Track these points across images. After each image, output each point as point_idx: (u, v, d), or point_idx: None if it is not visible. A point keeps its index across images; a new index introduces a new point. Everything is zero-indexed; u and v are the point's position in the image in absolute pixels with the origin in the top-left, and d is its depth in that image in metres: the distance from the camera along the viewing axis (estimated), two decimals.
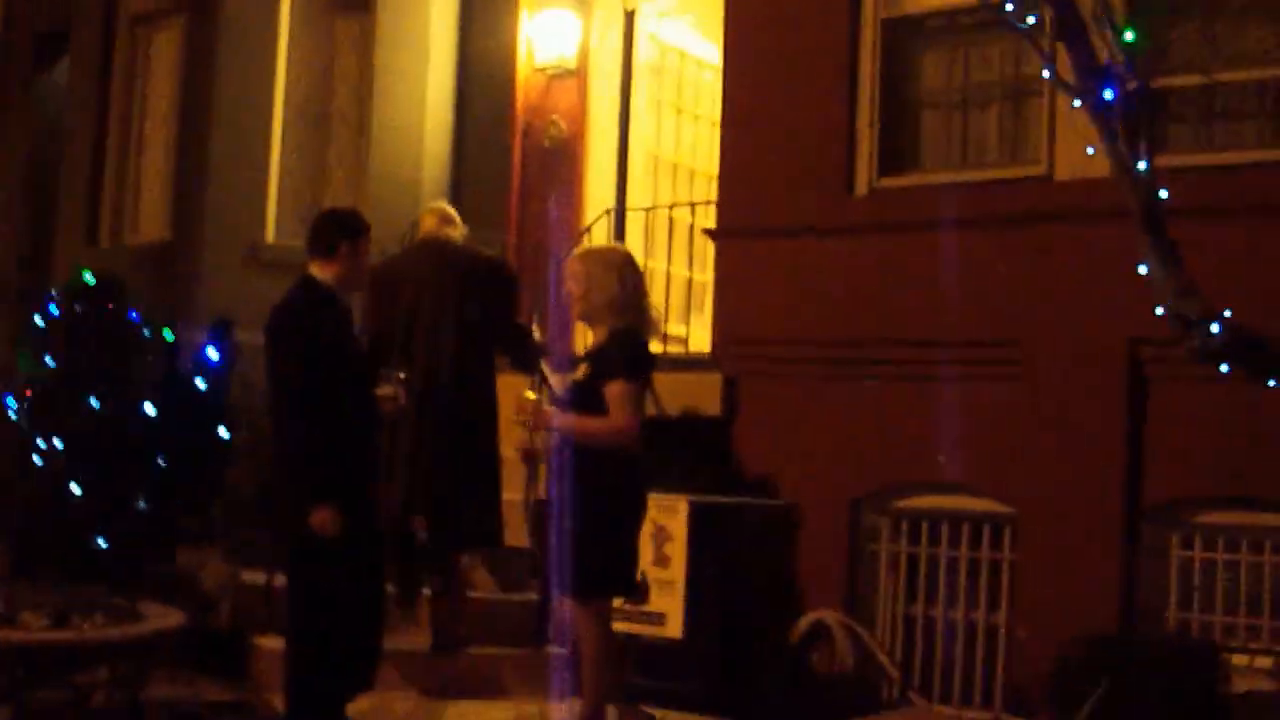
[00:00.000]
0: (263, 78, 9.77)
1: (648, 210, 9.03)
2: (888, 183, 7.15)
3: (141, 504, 6.78)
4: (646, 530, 6.67)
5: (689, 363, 7.94)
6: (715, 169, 10.30)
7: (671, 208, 9.25)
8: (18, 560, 7.27)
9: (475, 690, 6.43)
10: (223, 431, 7.13)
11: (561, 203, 9.98)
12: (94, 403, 6.76)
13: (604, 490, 5.27)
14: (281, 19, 9.84)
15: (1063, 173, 6.66)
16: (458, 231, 7.00)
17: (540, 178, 9.86)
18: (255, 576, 6.90)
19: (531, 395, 5.58)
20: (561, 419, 5.33)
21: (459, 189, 9.99)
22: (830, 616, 7.02)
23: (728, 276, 7.62)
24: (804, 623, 7.05)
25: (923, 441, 6.93)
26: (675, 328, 9.05)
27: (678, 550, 6.54)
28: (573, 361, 5.60)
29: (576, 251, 5.72)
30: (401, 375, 5.45)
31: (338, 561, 5.16)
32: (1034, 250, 6.63)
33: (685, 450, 7.41)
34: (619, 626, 6.65)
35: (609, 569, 5.35)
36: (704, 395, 7.55)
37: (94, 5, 10.87)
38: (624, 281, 5.42)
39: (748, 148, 7.49)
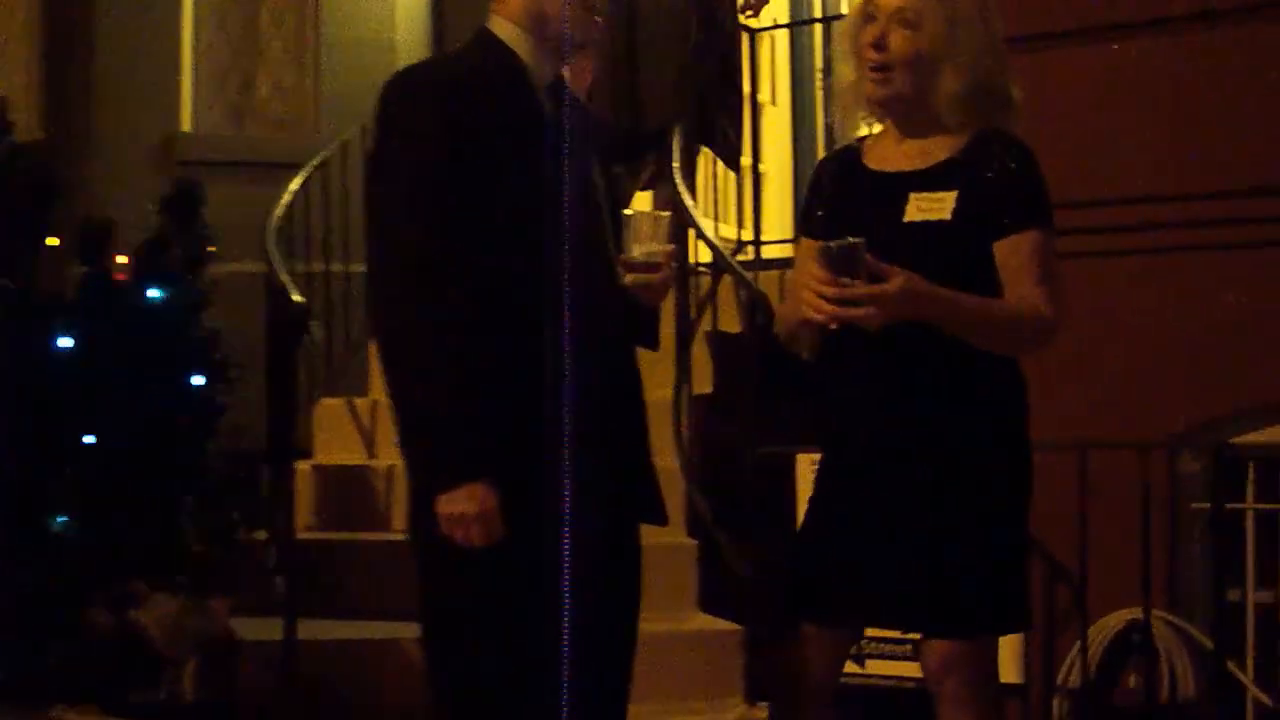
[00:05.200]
0: None
1: None
2: None
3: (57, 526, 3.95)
4: None
5: None
6: None
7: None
8: None
9: None
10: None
11: None
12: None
13: (1008, 432, 2.68)
14: None
15: None
16: None
17: None
18: (263, 629, 4.21)
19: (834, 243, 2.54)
20: (941, 297, 2.50)
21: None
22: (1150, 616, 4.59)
23: None
24: (1108, 627, 4.63)
25: None
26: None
27: None
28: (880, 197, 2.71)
29: None
30: (662, 215, 2.62)
31: (504, 599, 2.52)
32: None
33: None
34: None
35: (1021, 578, 2.74)
36: None
37: None
38: (1001, 50, 2.73)
39: None
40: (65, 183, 6.79)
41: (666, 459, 4.67)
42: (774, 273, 5.17)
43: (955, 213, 2.61)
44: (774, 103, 7.41)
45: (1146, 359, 4.67)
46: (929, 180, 2.67)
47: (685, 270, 4.78)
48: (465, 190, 2.49)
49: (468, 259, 2.47)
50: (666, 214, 2.66)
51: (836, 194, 2.79)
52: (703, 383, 4.91)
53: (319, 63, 7.16)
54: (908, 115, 2.71)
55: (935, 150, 2.69)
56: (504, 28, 2.66)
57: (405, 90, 2.61)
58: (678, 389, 4.68)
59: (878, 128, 2.82)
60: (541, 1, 2.63)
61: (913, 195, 2.66)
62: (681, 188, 4.61)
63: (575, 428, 2.50)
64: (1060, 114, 4.58)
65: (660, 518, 2.71)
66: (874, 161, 2.76)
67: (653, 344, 2.75)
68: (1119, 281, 4.72)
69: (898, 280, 2.46)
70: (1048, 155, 2.75)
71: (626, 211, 2.62)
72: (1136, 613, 4.55)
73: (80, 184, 6.83)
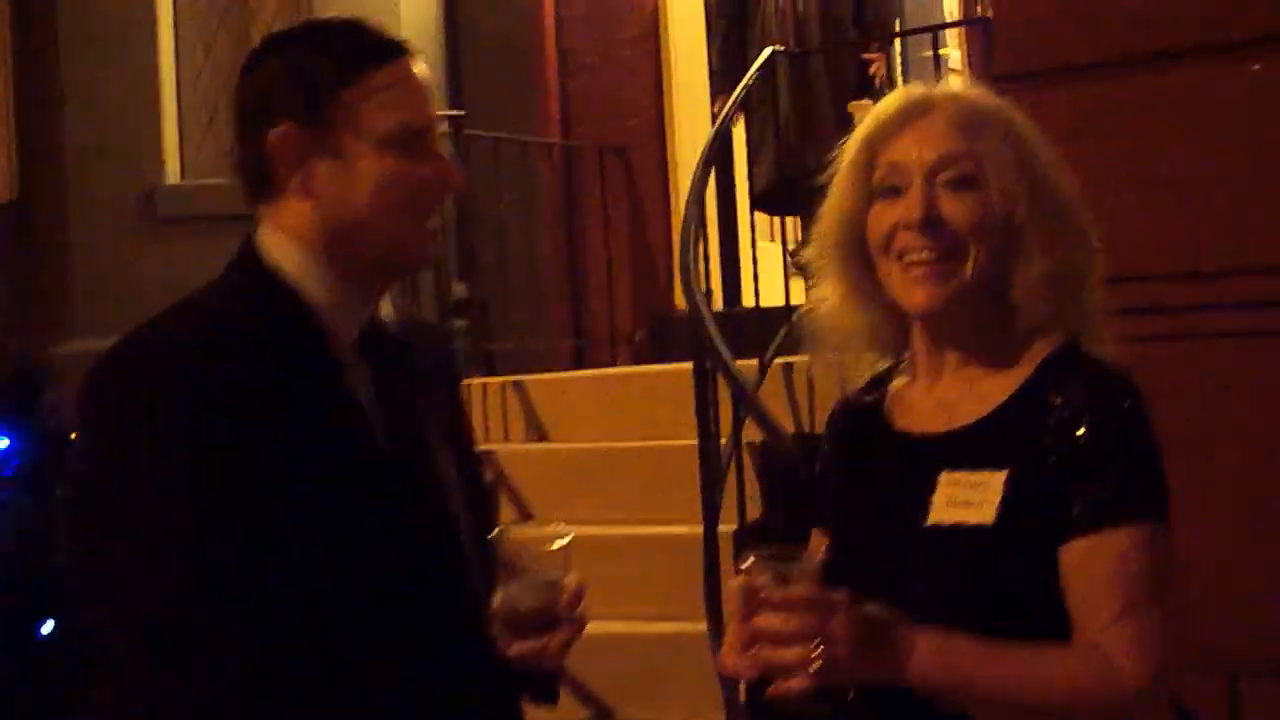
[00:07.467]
0: None
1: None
2: None
3: None
4: None
5: None
6: None
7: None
8: None
9: None
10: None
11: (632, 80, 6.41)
12: None
13: None
14: None
15: None
16: None
17: (590, 57, 6.40)
18: None
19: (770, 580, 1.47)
20: (919, 646, 1.51)
21: (458, 70, 6.45)
22: None
23: None
24: None
25: None
26: None
27: None
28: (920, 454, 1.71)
29: (947, 92, 1.69)
30: (555, 535, 1.61)
31: None
32: None
33: None
34: None
35: None
36: None
37: None
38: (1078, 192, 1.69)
39: None
40: (43, 247, 6.19)
41: (697, 619, 3.77)
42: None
43: (1002, 511, 1.61)
44: None
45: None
46: (971, 448, 1.66)
47: (708, 390, 3.83)
48: (236, 538, 1.55)
49: (244, 643, 1.56)
50: (568, 534, 1.68)
51: (846, 472, 1.80)
52: (729, 515, 3.93)
53: None
54: (958, 330, 1.70)
55: (991, 389, 1.68)
56: (282, 248, 1.66)
57: (134, 381, 1.58)
58: (708, 540, 3.71)
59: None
60: (349, 207, 1.64)
61: (944, 477, 1.66)
62: (701, 304, 3.68)
63: None
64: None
65: None
66: (901, 415, 1.76)
67: (552, 699, 1.83)
68: (1240, 368, 3.68)
69: (840, 615, 1.46)
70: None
71: (550, 545, 1.64)
72: None
73: (53, 251, 6.16)
